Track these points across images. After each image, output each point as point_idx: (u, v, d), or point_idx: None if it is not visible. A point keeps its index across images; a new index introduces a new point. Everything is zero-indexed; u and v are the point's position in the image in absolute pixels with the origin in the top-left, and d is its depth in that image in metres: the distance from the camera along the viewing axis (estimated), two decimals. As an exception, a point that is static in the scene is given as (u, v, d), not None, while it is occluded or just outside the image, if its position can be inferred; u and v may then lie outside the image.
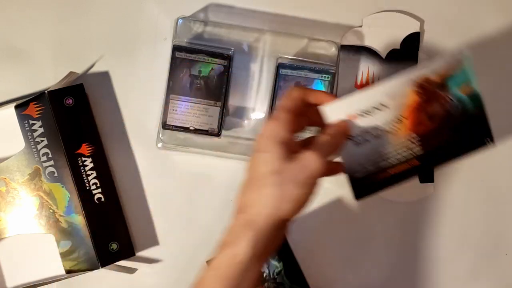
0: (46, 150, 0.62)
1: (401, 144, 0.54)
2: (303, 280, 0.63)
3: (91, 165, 0.63)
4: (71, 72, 0.62)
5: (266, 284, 0.62)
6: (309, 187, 0.47)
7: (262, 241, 0.45)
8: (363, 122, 0.53)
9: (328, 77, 0.62)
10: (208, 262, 0.61)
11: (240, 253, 0.44)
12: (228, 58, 0.62)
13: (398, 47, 0.65)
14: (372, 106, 0.52)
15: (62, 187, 0.62)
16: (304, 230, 0.65)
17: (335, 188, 0.65)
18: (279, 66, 0.62)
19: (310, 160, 0.46)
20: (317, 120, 0.51)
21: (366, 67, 0.65)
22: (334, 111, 0.51)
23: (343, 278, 0.65)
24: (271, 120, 0.48)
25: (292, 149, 0.47)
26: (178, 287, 0.66)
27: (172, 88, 0.62)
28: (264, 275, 0.62)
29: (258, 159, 0.47)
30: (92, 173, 0.63)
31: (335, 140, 0.50)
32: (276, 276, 0.62)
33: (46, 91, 0.62)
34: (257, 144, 0.48)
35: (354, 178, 0.55)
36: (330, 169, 0.52)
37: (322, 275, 0.65)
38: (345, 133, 0.51)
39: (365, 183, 0.55)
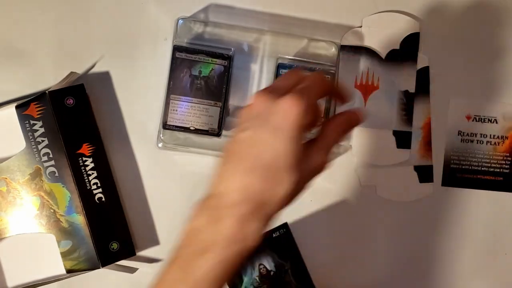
0: (47, 150, 0.62)
1: (495, 158, 0.65)
2: (309, 279, 0.63)
3: (92, 165, 0.63)
4: (71, 72, 0.63)
5: (272, 283, 0.62)
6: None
7: None
8: (474, 125, 0.64)
9: (328, 77, 0.62)
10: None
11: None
12: (228, 58, 0.62)
13: (397, 47, 0.65)
14: (487, 116, 0.64)
15: (63, 187, 0.62)
16: (309, 231, 0.65)
17: (338, 189, 0.65)
18: (279, 66, 0.62)
19: (322, 164, 0.44)
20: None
21: (366, 68, 0.65)
22: (455, 108, 0.63)
23: (348, 277, 0.66)
24: (297, 99, 0.41)
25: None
26: (178, 286, 0.66)
27: (172, 88, 0.62)
28: (272, 273, 0.62)
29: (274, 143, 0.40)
30: (92, 173, 0.63)
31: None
32: (283, 275, 0.63)
33: (46, 91, 0.62)
34: (277, 120, 0.41)
35: (448, 167, 0.65)
36: None
37: (328, 274, 0.65)
38: (358, 121, 0.47)
39: (455, 176, 0.65)
